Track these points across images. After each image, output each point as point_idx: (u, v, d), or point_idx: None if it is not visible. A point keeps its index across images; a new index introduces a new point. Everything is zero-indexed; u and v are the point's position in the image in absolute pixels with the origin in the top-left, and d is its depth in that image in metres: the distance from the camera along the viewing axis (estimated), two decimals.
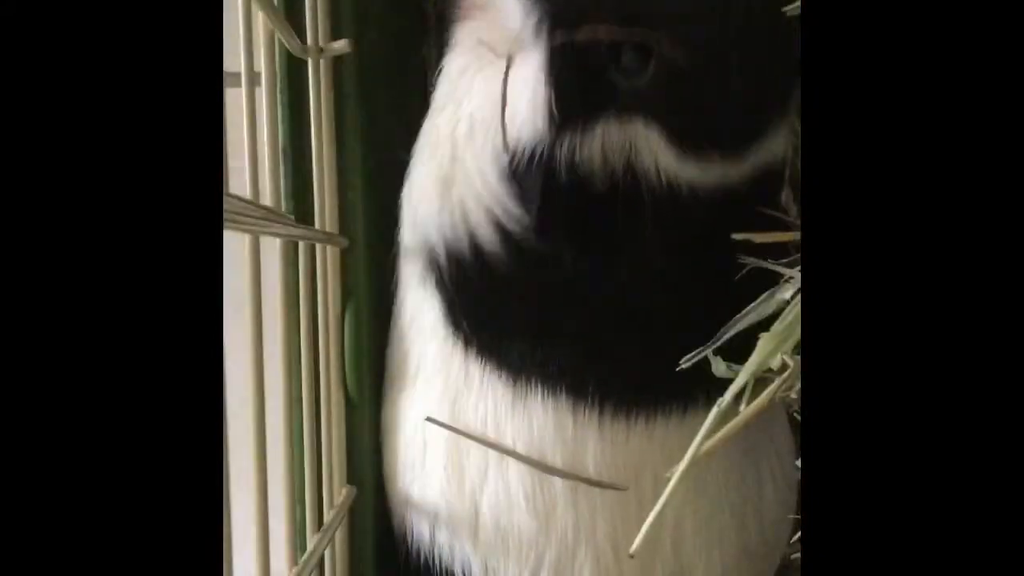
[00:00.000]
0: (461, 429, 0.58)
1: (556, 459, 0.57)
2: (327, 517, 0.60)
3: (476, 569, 0.59)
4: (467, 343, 0.58)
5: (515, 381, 0.57)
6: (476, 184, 0.55)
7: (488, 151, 0.54)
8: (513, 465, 0.57)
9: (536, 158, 0.52)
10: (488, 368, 0.58)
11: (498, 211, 0.55)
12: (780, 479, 0.60)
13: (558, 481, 0.56)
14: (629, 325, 0.56)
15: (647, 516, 0.54)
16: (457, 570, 0.60)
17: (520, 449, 0.57)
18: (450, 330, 0.59)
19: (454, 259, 0.57)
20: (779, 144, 0.55)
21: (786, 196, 0.64)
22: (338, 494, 0.62)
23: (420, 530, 0.61)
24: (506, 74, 0.52)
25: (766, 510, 0.60)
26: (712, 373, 0.51)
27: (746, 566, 0.61)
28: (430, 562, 0.61)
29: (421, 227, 0.59)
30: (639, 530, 0.53)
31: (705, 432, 0.48)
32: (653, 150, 0.52)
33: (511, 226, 0.55)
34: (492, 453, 0.57)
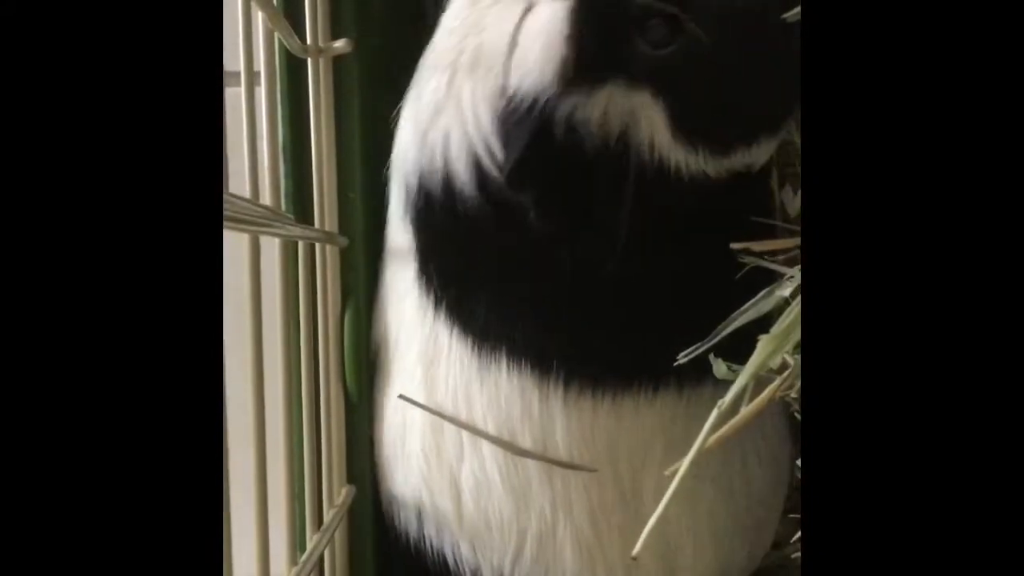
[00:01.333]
0: (433, 408, 0.58)
1: (525, 435, 0.56)
2: (327, 516, 0.60)
3: (464, 550, 0.59)
4: (437, 302, 0.58)
5: (480, 348, 0.57)
6: (466, 117, 0.54)
7: (486, 88, 0.53)
8: (486, 443, 0.57)
9: (533, 108, 0.51)
10: (455, 332, 0.57)
11: (480, 150, 0.54)
12: (766, 455, 0.60)
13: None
14: (596, 298, 0.55)
15: (624, 493, 0.55)
16: (447, 552, 0.60)
17: (490, 424, 0.57)
18: (422, 285, 0.58)
19: (426, 193, 0.56)
20: (763, 154, 0.55)
21: (786, 197, 0.64)
22: (338, 493, 0.62)
23: (407, 516, 0.62)
24: (523, 16, 0.51)
25: (754, 487, 0.60)
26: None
27: (737, 543, 0.61)
28: (421, 546, 0.61)
29: (402, 157, 0.58)
30: (616, 505, 0.54)
31: (706, 432, 0.48)
32: (652, 124, 0.52)
33: (490, 169, 0.53)
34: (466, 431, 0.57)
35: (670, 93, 0.51)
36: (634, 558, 0.49)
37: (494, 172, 0.53)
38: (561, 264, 0.54)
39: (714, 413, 0.48)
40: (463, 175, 0.55)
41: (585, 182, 0.52)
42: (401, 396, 0.59)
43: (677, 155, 0.52)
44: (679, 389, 0.56)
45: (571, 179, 0.51)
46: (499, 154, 0.53)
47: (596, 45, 0.50)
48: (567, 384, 0.56)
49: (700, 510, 0.58)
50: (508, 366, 0.56)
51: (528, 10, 0.51)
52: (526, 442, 0.56)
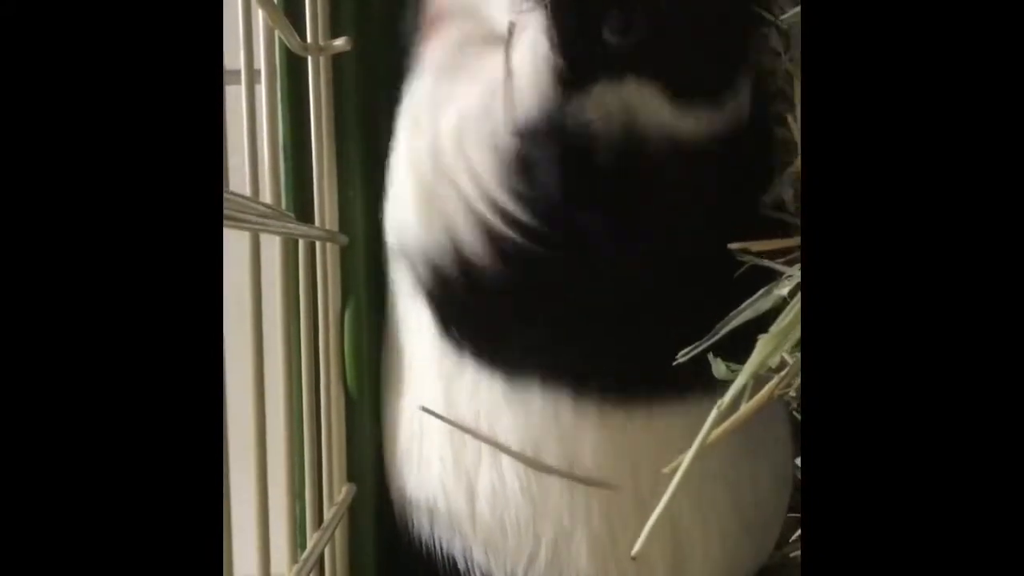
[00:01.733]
0: (457, 423, 0.58)
1: (550, 449, 0.57)
2: (327, 515, 0.60)
3: (477, 553, 0.60)
4: (459, 345, 0.59)
5: (509, 376, 0.57)
6: (465, 189, 0.55)
7: (485, 143, 0.54)
8: (506, 455, 0.57)
9: (547, 127, 0.52)
10: (481, 365, 0.58)
11: (489, 211, 0.55)
12: (772, 454, 0.61)
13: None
14: (628, 311, 0.56)
15: (643, 501, 0.55)
16: (458, 556, 0.60)
17: (513, 440, 0.57)
18: (440, 332, 0.59)
19: (440, 275, 0.57)
20: (746, 95, 0.56)
21: (785, 197, 0.64)
22: (338, 492, 0.62)
23: (420, 520, 0.62)
24: (508, 46, 0.53)
25: (761, 486, 0.60)
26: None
27: (745, 540, 0.61)
28: (432, 549, 0.61)
29: (404, 244, 0.59)
30: (633, 513, 0.54)
31: (706, 431, 0.48)
32: (649, 108, 0.53)
33: (503, 230, 0.55)
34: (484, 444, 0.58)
35: (651, 73, 0.52)
36: (633, 558, 0.49)
37: (508, 232, 0.55)
38: (589, 282, 0.55)
39: (714, 412, 0.48)
40: (475, 247, 0.56)
41: (613, 181, 0.53)
42: (424, 408, 0.59)
43: (684, 123, 0.53)
44: (707, 395, 0.56)
45: (601, 182, 0.53)
46: (526, 193, 0.54)
47: (577, 56, 0.51)
48: (602, 399, 0.56)
49: (709, 509, 0.58)
50: (541, 388, 0.57)
51: (509, 41, 0.53)
52: (551, 456, 0.57)
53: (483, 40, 0.54)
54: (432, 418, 0.59)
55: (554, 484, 0.57)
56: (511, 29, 0.53)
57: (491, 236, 0.55)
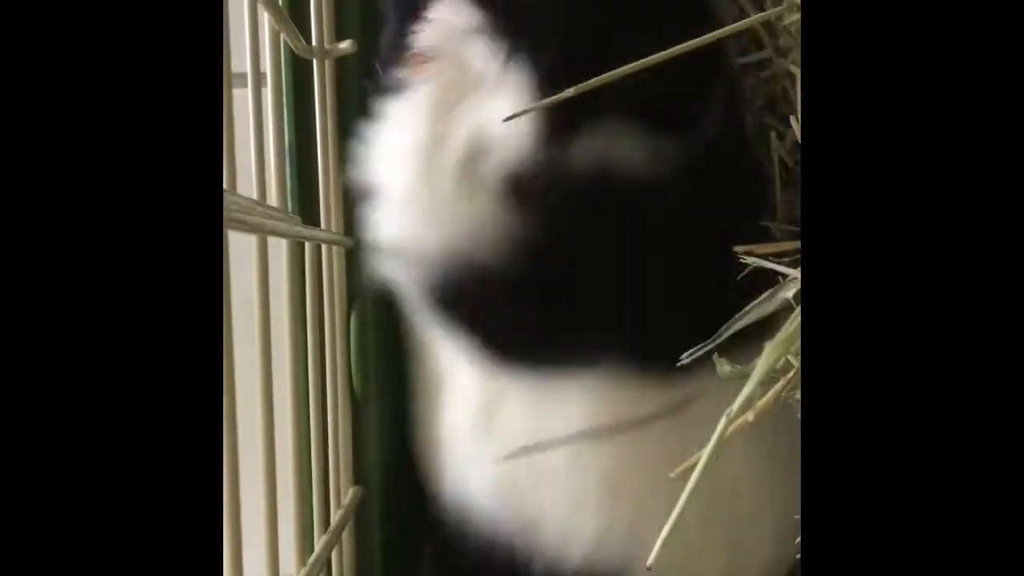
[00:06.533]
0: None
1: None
2: (334, 518, 0.60)
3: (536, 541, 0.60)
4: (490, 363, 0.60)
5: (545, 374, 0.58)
6: (467, 210, 0.56)
7: (475, 185, 0.56)
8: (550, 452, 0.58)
9: (533, 174, 0.54)
10: (516, 378, 0.59)
11: (492, 231, 0.56)
12: (779, 458, 0.60)
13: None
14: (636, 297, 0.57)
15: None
16: (517, 547, 0.61)
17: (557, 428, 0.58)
18: (473, 360, 0.60)
19: (453, 283, 0.58)
20: (716, 118, 0.58)
21: (784, 202, 0.65)
22: (345, 494, 0.62)
23: (471, 518, 0.62)
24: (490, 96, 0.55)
25: (767, 490, 0.61)
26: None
27: (749, 547, 0.61)
28: (486, 544, 0.62)
29: (408, 255, 0.60)
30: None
31: (716, 438, 0.48)
32: (624, 142, 0.55)
33: (512, 238, 0.56)
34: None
35: (626, 110, 0.54)
36: (649, 568, 0.49)
37: (521, 237, 0.56)
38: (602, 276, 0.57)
39: (722, 421, 0.48)
40: (485, 256, 0.56)
41: (600, 213, 0.55)
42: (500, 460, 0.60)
43: (662, 151, 0.55)
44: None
45: (589, 215, 0.55)
46: (518, 224, 0.55)
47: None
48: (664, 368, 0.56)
49: (714, 513, 0.58)
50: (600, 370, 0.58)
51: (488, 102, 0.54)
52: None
53: (466, 86, 0.56)
54: (475, 420, 0.60)
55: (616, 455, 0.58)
56: (493, 79, 0.55)
57: (496, 245, 0.56)
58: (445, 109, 0.56)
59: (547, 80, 0.53)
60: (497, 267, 0.57)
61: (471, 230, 0.56)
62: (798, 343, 0.47)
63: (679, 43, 0.49)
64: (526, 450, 0.59)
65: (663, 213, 0.56)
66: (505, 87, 0.54)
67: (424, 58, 0.57)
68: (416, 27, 0.57)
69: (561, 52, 0.54)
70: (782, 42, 0.67)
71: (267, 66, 0.56)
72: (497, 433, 0.60)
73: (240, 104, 0.46)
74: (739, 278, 0.52)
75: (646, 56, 0.49)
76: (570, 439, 0.58)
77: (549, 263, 0.56)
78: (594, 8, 0.54)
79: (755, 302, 0.50)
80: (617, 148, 0.55)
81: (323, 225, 0.60)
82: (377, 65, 0.60)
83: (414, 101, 0.57)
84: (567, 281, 0.57)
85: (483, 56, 0.55)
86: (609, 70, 0.49)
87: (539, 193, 0.55)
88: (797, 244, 0.52)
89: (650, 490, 0.57)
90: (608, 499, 0.59)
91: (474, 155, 0.56)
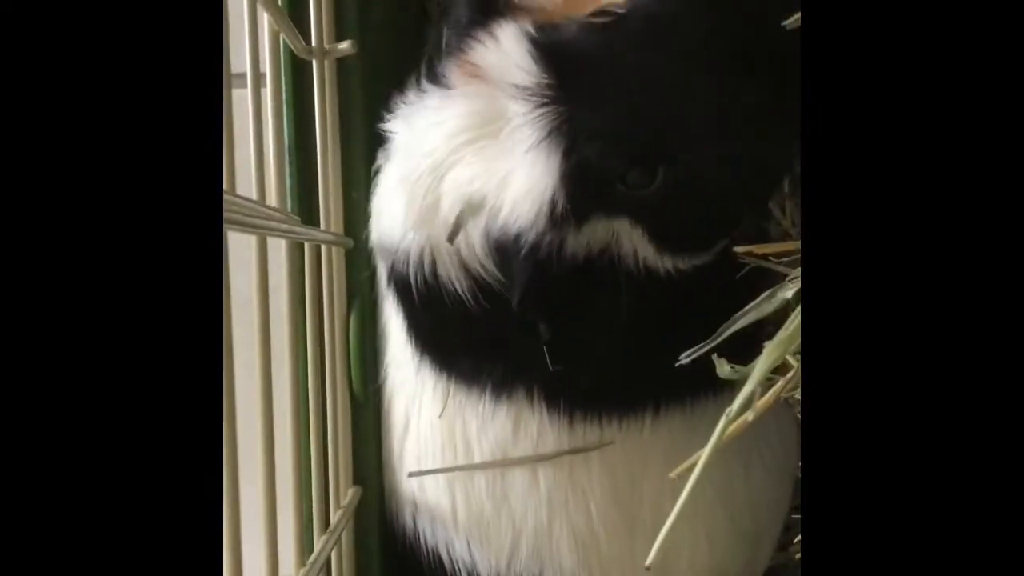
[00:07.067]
0: (452, 467, 0.60)
1: (518, 453, 0.59)
2: (334, 518, 0.60)
3: (459, 548, 0.61)
4: (422, 354, 0.60)
5: (468, 390, 0.59)
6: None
7: (477, 224, 0.55)
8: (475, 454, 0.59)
9: (527, 245, 0.53)
10: (444, 378, 0.60)
11: (476, 267, 0.56)
12: (768, 459, 0.61)
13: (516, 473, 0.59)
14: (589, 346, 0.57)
15: (620, 495, 0.57)
16: (442, 551, 0.62)
17: (486, 446, 0.59)
18: (409, 342, 0.61)
19: (416, 286, 0.58)
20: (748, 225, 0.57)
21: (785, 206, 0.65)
22: (344, 494, 0.62)
23: (404, 518, 0.63)
24: (508, 168, 0.53)
25: (754, 490, 0.61)
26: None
27: (735, 545, 0.61)
28: (414, 544, 0.63)
29: (386, 234, 0.59)
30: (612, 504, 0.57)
31: (716, 438, 0.48)
32: (634, 243, 0.54)
33: (479, 272, 0.56)
34: (458, 447, 0.60)
35: (647, 220, 0.54)
36: (648, 568, 0.49)
37: (486, 277, 0.56)
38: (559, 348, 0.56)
39: (722, 421, 0.48)
40: (454, 272, 0.56)
41: (583, 293, 0.55)
42: (412, 474, 0.61)
43: (662, 261, 0.55)
44: (682, 408, 0.58)
45: (571, 293, 0.54)
46: (496, 274, 0.55)
47: (585, 199, 0.52)
48: (571, 418, 0.58)
49: (696, 511, 0.58)
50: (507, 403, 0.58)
51: (514, 161, 0.53)
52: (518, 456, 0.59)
53: (492, 119, 0.54)
54: (417, 425, 0.61)
55: (518, 478, 0.58)
56: (512, 155, 0.53)
57: (469, 274, 0.56)
58: (466, 131, 0.55)
59: (569, 173, 0.51)
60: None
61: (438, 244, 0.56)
62: (797, 342, 0.47)
63: None
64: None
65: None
66: (527, 146, 0.53)
67: (473, 70, 0.56)
68: (479, 35, 0.56)
69: (597, 150, 0.51)
70: None
71: (267, 66, 0.56)
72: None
73: (240, 104, 0.46)
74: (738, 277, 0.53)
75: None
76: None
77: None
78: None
79: (755, 302, 0.50)
80: (622, 244, 0.54)
81: (323, 226, 0.60)
82: (433, 53, 0.59)
83: (446, 110, 0.56)
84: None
85: (521, 104, 0.53)
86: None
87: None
88: (796, 244, 0.52)
89: None
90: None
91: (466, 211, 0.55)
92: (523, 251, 0.53)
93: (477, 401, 0.59)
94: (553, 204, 0.52)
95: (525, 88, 0.53)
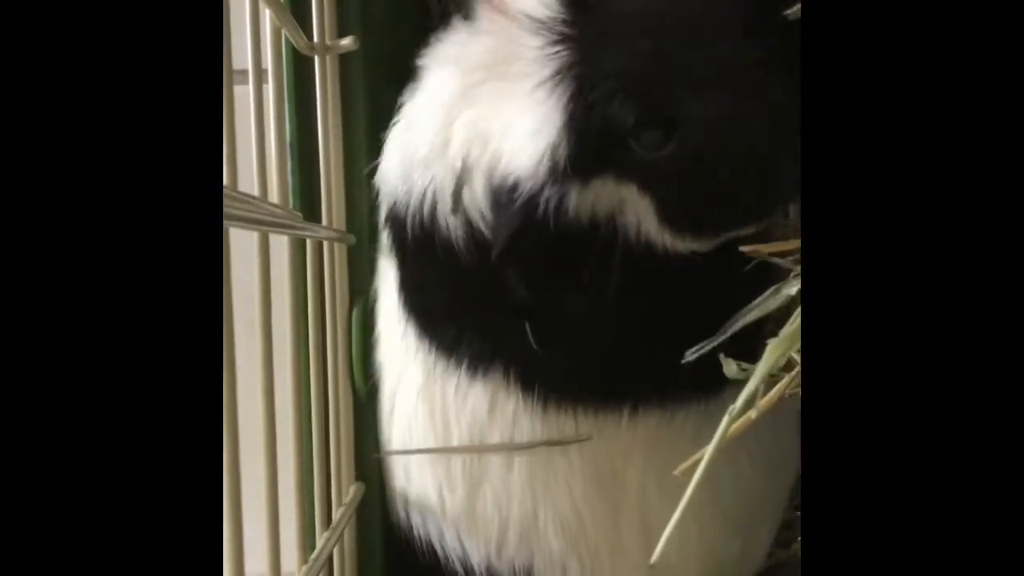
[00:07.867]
0: (436, 447, 0.60)
1: (495, 437, 0.58)
2: (336, 515, 0.60)
3: (449, 538, 0.61)
4: (407, 317, 0.59)
5: (447, 362, 0.58)
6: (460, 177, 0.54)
7: (479, 160, 0.53)
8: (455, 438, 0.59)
9: (520, 192, 0.51)
10: (429, 349, 0.58)
11: (473, 213, 0.54)
12: (758, 454, 0.60)
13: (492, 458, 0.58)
14: (576, 326, 0.56)
15: (604, 482, 0.57)
16: (435, 542, 0.61)
17: (463, 425, 0.58)
18: (399, 299, 0.60)
19: (411, 229, 0.56)
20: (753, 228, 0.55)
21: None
22: (346, 492, 0.62)
23: (396, 509, 0.63)
24: (518, 109, 0.51)
25: (745, 484, 0.60)
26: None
27: (726, 538, 0.61)
28: (408, 536, 0.63)
29: (390, 183, 0.59)
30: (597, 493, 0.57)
31: (719, 436, 0.48)
32: (638, 213, 0.52)
33: (477, 222, 0.54)
34: (438, 428, 0.59)
35: (657, 190, 0.51)
36: (652, 565, 0.49)
37: (483, 227, 0.54)
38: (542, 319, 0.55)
39: (725, 419, 0.48)
40: (452, 222, 0.55)
41: (572, 260, 0.52)
42: (388, 452, 0.61)
43: (663, 238, 0.53)
44: (662, 408, 0.57)
45: (559, 258, 0.52)
46: (489, 218, 0.53)
47: (591, 150, 0.50)
48: (545, 404, 0.57)
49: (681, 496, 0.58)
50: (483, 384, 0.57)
51: (523, 102, 0.51)
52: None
53: (508, 60, 0.52)
54: (401, 402, 0.60)
55: (495, 463, 0.58)
56: (525, 97, 0.51)
57: (469, 224, 0.54)
58: (481, 69, 0.53)
59: (575, 119, 0.49)
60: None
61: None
62: (799, 342, 0.47)
63: None
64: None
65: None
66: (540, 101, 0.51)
67: (499, 4, 0.53)
68: None
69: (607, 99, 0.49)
70: None
71: (268, 63, 0.56)
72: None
73: (241, 101, 0.46)
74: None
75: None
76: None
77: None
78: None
79: (760, 298, 0.50)
80: (626, 214, 0.52)
81: (324, 222, 0.60)
82: None
83: (468, 46, 0.54)
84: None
85: (535, 39, 0.51)
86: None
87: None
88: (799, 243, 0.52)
89: None
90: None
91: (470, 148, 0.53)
92: (517, 201, 0.51)
93: (454, 375, 0.57)
94: (555, 151, 0.50)
95: (541, 22, 0.50)
